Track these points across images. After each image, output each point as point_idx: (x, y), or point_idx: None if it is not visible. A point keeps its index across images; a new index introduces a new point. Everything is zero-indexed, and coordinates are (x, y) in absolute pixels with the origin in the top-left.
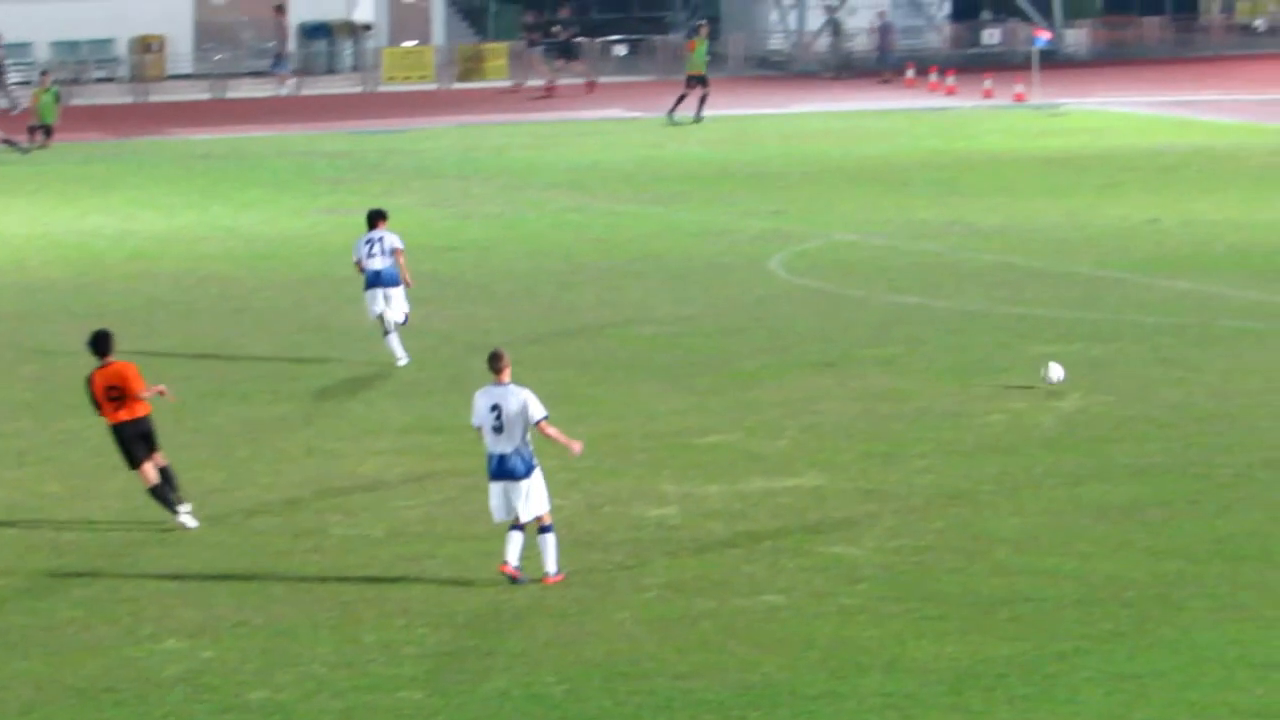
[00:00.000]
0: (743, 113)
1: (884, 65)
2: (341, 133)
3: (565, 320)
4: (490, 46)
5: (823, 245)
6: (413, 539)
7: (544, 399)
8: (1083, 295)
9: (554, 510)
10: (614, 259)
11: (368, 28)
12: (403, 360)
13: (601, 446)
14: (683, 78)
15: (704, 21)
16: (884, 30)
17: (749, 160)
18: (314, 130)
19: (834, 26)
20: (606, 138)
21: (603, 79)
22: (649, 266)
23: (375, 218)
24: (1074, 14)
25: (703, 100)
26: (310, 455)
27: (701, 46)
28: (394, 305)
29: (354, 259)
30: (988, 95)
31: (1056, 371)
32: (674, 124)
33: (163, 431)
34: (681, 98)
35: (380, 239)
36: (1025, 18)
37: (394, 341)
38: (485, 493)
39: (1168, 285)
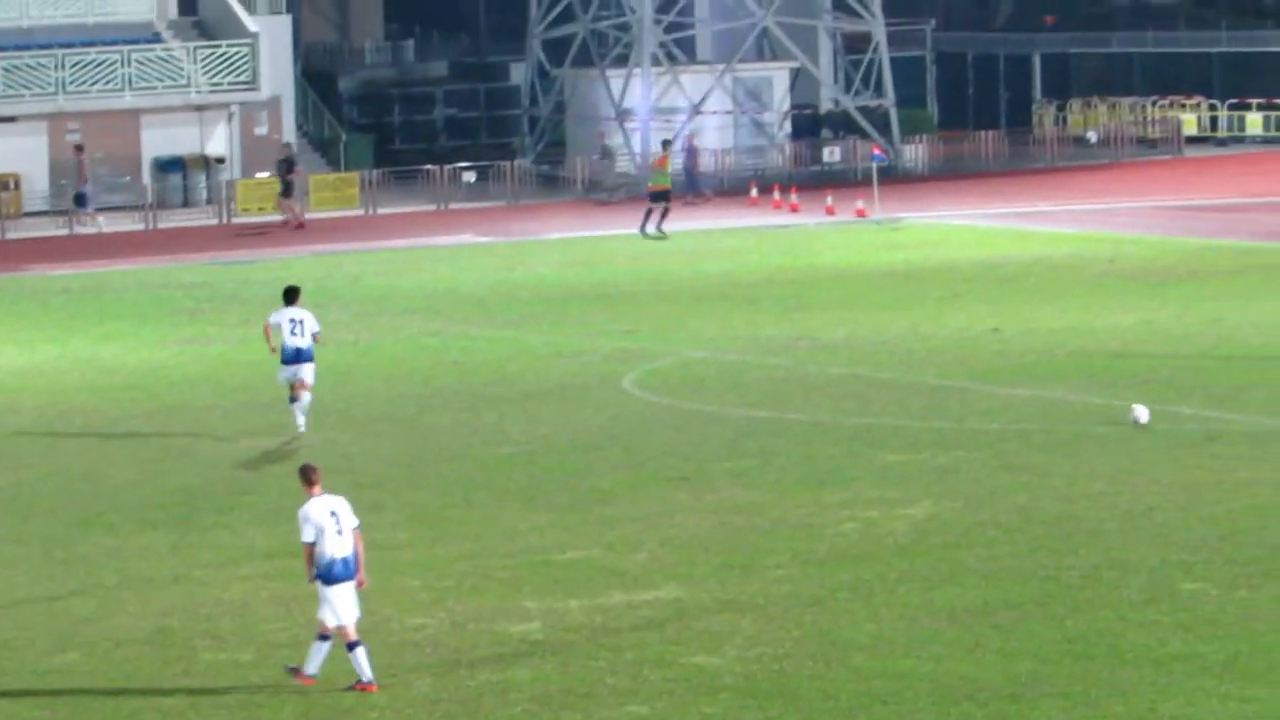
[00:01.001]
0: (591, 234)
1: (692, 188)
2: (198, 264)
3: (424, 443)
4: (343, 176)
5: (674, 363)
6: (281, 662)
7: (406, 522)
8: (928, 404)
9: (419, 629)
10: (470, 382)
11: (221, 161)
12: (302, 428)
13: (462, 565)
14: (522, 203)
15: (668, 139)
16: (690, 153)
17: (599, 281)
18: (171, 263)
19: (604, 151)
20: (458, 263)
21: (453, 205)
22: (504, 389)
23: (292, 294)
24: (911, 130)
25: (664, 215)
26: (178, 582)
27: (668, 164)
28: (306, 376)
29: (269, 322)
30: (830, 212)
31: (1144, 414)
32: (648, 238)
33: (30, 562)
34: (649, 213)
35: (302, 321)
36: (865, 135)
37: (299, 410)
38: None
39: (1010, 393)
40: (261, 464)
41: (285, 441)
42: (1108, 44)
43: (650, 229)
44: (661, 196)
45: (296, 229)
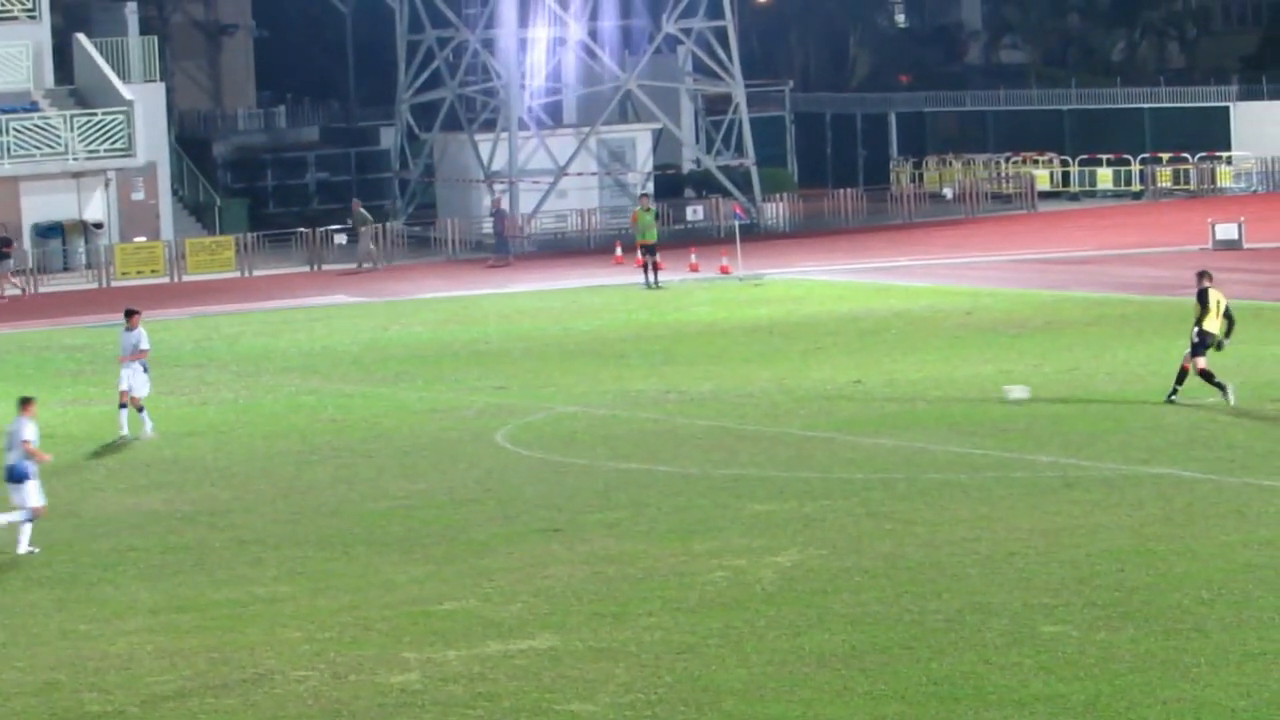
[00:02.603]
0: (462, 293)
1: (498, 250)
2: (79, 327)
3: (303, 499)
4: (218, 239)
5: (546, 418)
6: (167, 713)
7: (287, 575)
8: (794, 455)
9: (302, 680)
10: (347, 438)
11: (99, 226)
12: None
13: (343, 617)
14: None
15: (645, 192)
16: (498, 216)
17: (470, 339)
18: (52, 326)
19: (499, 213)
20: (334, 323)
21: (326, 267)
22: (380, 445)
23: (131, 314)
24: (772, 188)
25: (652, 267)
26: (64, 638)
27: (645, 216)
28: (138, 385)
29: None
30: (694, 269)
31: (1020, 392)
32: (657, 289)
33: None
34: (645, 266)
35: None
36: (727, 194)
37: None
38: (232, 665)
39: (874, 443)
40: (144, 521)
41: (164, 499)
42: (961, 102)
43: (652, 280)
44: (648, 250)
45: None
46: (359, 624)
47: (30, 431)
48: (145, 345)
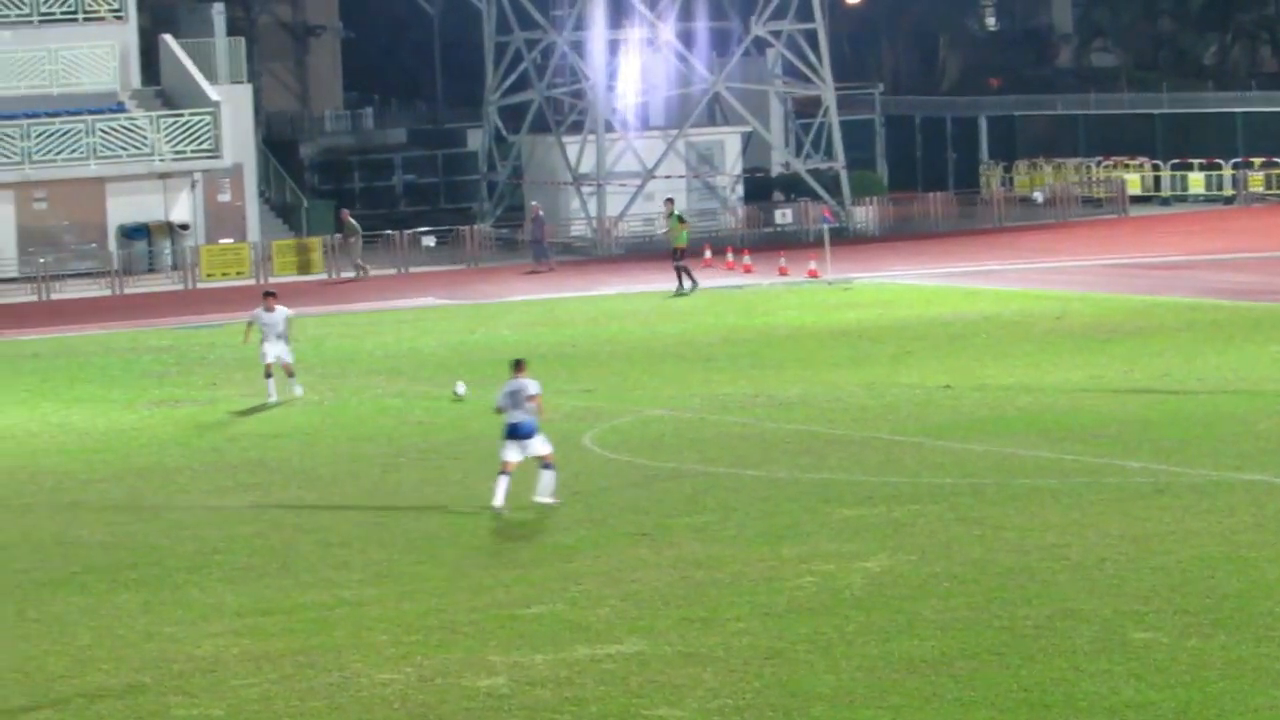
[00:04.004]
0: (550, 296)
1: (538, 257)
2: (164, 329)
3: (390, 502)
4: (304, 241)
5: (633, 421)
6: (252, 716)
7: (373, 578)
8: (883, 460)
9: (387, 684)
10: (434, 441)
11: (185, 227)
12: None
13: (429, 621)
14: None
15: (669, 199)
16: (536, 223)
17: (558, 341)
18: (138, 327)
19: (536, 220)
20: (421, 325)
21: (413, 269)
22: (467, 447)
23: (269, 295)
24: (861, 192)
25: (685, 272)
26: (150, 640)
27: (671, 222)
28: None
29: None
30: (783, 272)
31: (461, 388)
32: (679, 295)
33: (3, 623)
34: (678, 271)
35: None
36: (816, 198)
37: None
38: (318, 669)
39: (963, 448)
40: (230, 523)
41: (250, 503)
42: (1053, 106)
43: (687, 286)
44: (678, 255)
45: None
46: (445, 627)
47: (536, 387)
48: (285, 329)
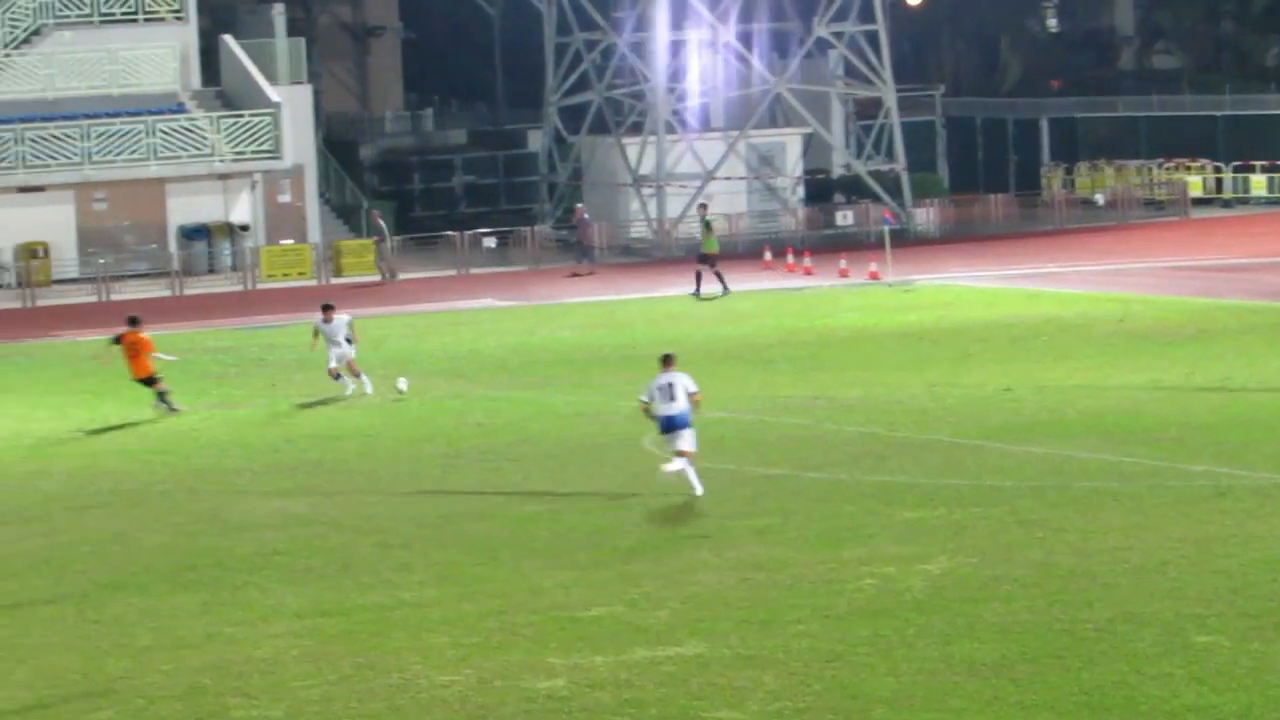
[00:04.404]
0: (610, 298)
1: (580, 258)
2: (224, 329)
3: (449, 503)
4: (364, 243)
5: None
6: (312, 717)
7: (433, 580)
8: (943, 462)
9: (447, 685)
10: (494, 442)
11: (245, 228)
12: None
13: (489, 623)
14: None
15: (704, 204)
16: (581, 225)
17: (619, 343)
18: (197, 328)
19: (581, 221)
20: (480, 326)
21: (473, 270)
22: (527, 449)
23: (327, 309)
24: (922, 193)
25: (717, 276)
26: (209, 641)
27: (701, 228)
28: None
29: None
30: (844, 274)
31: (402, 383)
32: (701, 299)
33: (64, 623)
34: (715, 275)
35: (670, 383)
36: (876, 199)
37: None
38: (378, 670)
39: (1024, 450)
40: (290, 525)
41: (310, 504)
42: (1114, 108)
43: (719, 289)
44: (708, 259)
45: None
46: (505, 629)
47: (694, 384)
48: (348, 333)
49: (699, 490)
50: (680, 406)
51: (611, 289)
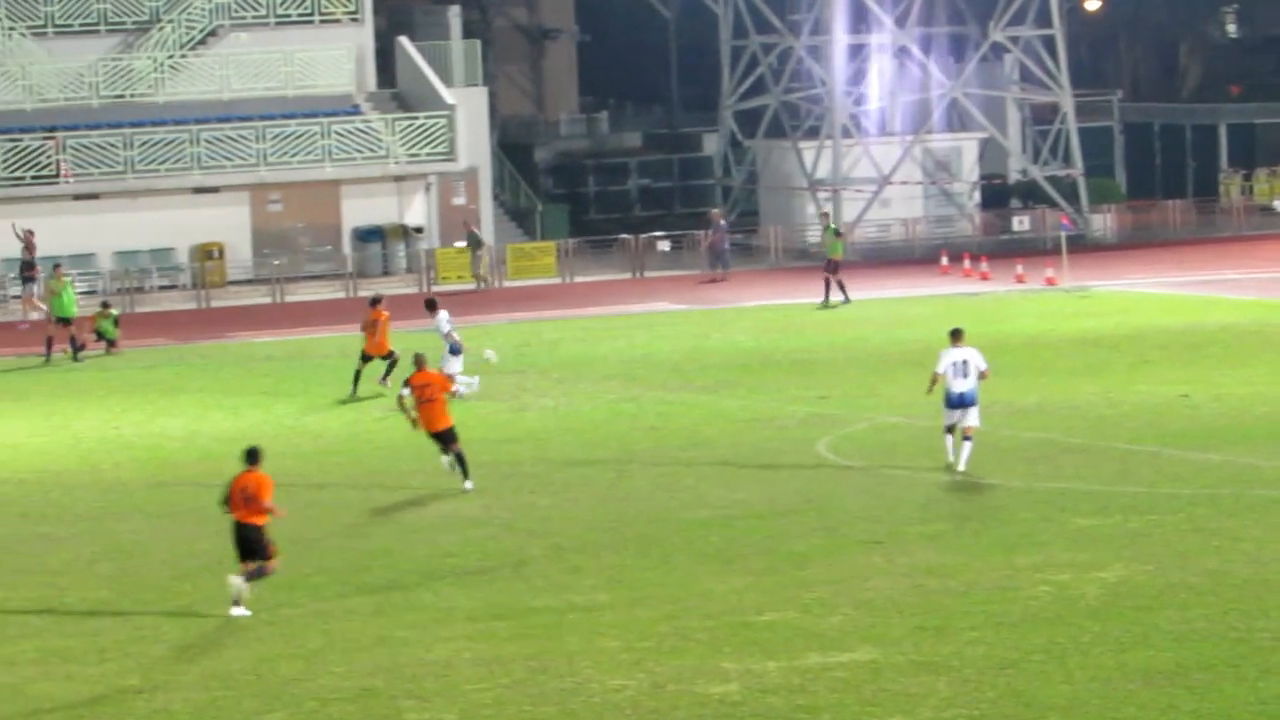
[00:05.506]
0: (784, 302)
1: (714, 265)
2: (399, 331)
3: (622, 507)
4: (538, 245)
5: (867, 428)
6: None
7: (605, 584)
8: (1119, 469)
9: (619, 690)
10: (667, 446)
11: (419, 230)
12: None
13: (662, 627)
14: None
15: (825, 211)
16: (716, 230)
17: (792, 348)
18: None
19: (719, 228)
20: (654, 330)
21: (648, 274)
22: (700, 453)
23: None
24: (1099, 199)
25: (837, 285)
26: (382, 644)
27: (826, 234)
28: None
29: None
30: (1020, 280)
31: (490, 354)
32: (827, 307)
33: (235, 626)
34: (827, 283)
35: (965, 360)
36: (1053, 205)
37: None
38: (550, 674)
39: (1201, 458)
40: (463, 527)
41: (483, 506)
42: None
43: (837, 299)
44: (833, 267)
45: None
46: (678, 634)
47: (984, 361)
48: (448, 329)
49: (962, 467)
50: (971, 384)
51: (785, 293)
